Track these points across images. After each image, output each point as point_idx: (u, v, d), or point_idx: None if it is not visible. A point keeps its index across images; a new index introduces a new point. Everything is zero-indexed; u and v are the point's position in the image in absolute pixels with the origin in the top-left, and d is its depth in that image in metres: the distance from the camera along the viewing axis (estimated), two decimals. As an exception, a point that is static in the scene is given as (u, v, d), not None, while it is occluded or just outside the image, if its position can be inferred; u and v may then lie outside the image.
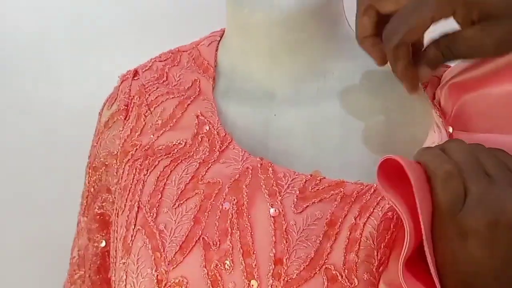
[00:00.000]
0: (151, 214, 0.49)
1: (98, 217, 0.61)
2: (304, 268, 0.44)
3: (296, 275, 0.44)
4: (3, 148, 0.94)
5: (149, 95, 0.59)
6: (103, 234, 0.61)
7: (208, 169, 0.51)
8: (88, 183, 0.63)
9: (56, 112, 0.93)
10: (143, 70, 0.63)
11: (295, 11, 0.55)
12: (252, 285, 0.44)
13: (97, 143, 0.63)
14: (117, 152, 0.58)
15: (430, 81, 0.54)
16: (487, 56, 0.46)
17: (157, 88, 0.60)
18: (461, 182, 0.37)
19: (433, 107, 0.52)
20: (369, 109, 0.55)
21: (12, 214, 0.95)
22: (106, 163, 0.60)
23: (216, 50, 0.63)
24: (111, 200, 0.59)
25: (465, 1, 0.43)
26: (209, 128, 0.54)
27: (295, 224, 0.45)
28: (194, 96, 0.58)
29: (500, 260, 0.37)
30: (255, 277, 0.44)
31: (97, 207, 0.61)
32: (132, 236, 0.49)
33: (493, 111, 0.47)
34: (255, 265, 0.45)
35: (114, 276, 0.51)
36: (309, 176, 0.48)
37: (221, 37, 0.64)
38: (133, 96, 0.60)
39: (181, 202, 0.49)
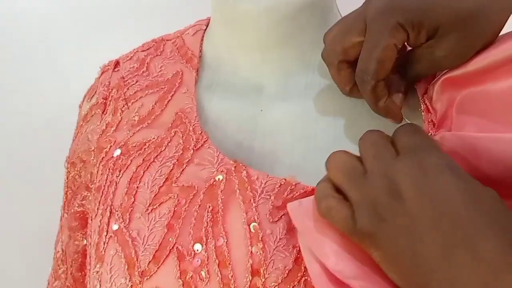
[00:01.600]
0: (124, 220, 0.46)
1: (78, 215, 0.59)
2: (282, 280, 0.41)
3: (275, 287, 0.41)
4: (9, 136, 0.94)
5: (128, 89, 0.56)
6: (84, 233, 0.59)
7: (182, 170, 0.48)
8: (67, 178, 0.60)
9: (62, 100, 0.92)
10: (124, 61, 0.60)
11: (284, 2, 0.51)
12: None
13: (75, 138, 0.60)
14: (94, 148, 0.55)
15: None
16: (443, 69, 0.47)
17: (136, 82, 0.57)
18: (341, 205, 0.38)
19: (422, 105, 0.49)
20: (359, 106, 0.52)
21: (21, 200, 0.95)
22: (84, 159, 0.57)
23: (202, 40, 0.60)
24: (90, 198, 0.57)
25: (412, 24, 0.44)
26: (186, 124, 0.51)
27: (271, 233, 0.43)
28: (174, 89, 0.55)
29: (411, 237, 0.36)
30: None
31: (76, 205, 0.59)
32: (104, 244, 0.47)
33: (490, 108, 0.44)
34: (232, 276, 0.42)
35: (89, 284, 0.49)
36: (284, 180, 0.45)
37: (207, 26, 0.61)
38: (112, 89, 0.57)
39: (154, 207, 0.46)
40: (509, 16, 0.45)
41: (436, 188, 0.36)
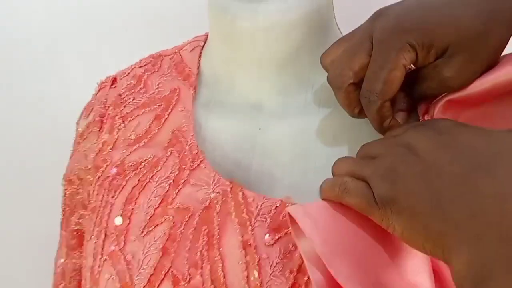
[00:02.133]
0: (119, 242, 0.46)
1: (75, 233, 0.58)
2: None
3: None
4: (14, 145, 0.93)
5: (125, 106, 0.56)
6: (81, 251, 0.59)
7: (178, 191, 0.47)
8: (65, 195, 0.60)
9: (64, 108, 0.92)
10: (121, 77, 0.60)
11: (282, 18, 0.51)
12: None
13: (73, 155, 0.60)
14: (91, 167, 0.55)
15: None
16: (450, 91, 0.46)
17: (133, 99, 0.56)
18: (355, 181, 0.39)
19: None
20: (358, 125, 0.51)
21: (23, 207, 0.94)
22: (81, 177, 0.56)
23: (200, 56, 0.59)
24: (87, 217, 0.56)
25: (423, 44, 0.43)
26: (182, 143, 0.50)
27: (267, 258, 0.42)
28: (171, 107, 0.54)
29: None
30: None
31: (73, 224, 0.58)
32: (99, 267, 0.46)
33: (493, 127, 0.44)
34: None
35: None
36: (280, 202, 0.45)
37: (205, 42, 0.60)
38: (109, 107, 0.57)
39: (150, 229, 0.46)
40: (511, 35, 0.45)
41: (450, 136, 0.37)
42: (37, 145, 0.93)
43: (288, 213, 0.40)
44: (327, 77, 0.49)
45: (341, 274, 0.37)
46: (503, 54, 0.45)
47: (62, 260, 0.61)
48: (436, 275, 0.39)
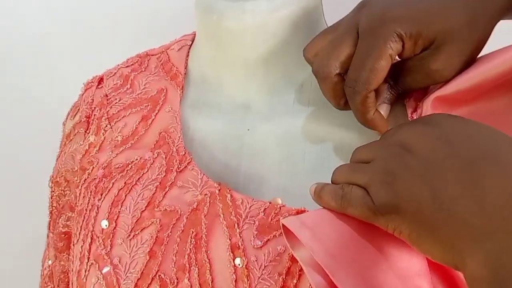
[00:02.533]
0: (105, 246, 0.45)
1: (63, 235, 0.58)
2: None
3: None
4: (7, 145, 0.93)
5: (111, 107, 0.55)
6: (69, 253, 0.58)
7: (165, 194, 0.47)
8: (52, 197, 0.59)
9: (60, 108, 0.91)
10: (108, 77, 0.59)
11: (269, 17, 0.50)
12: None
13: (59, 157, 0.59)
14: (77, 169, 0.54)
15: (415, 91, 0.50)
16: (435, 83, 0.46)
17: (119, 100, 0.56)
18: (354, 189, 0.38)
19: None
20: (348, 123, 0.51)
21: (17, 211, 0.94)
22: (68, 179, 0.56)
23: (187, 56, 0.58)
24: (74, 222, 0.56)
25: (411, 34, 0.43)
26: (169, 144, 0.50)
27: (256, 261, 0.42)
28: (158, 108, 0.53)
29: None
30: None
31: (61, 226, 0.57)
32: (85, 271, 0.45)
33: None
34: None
35: None
36: (268, 204, 0.44)
37: (192, 41, 0.60)
38: (95, 108, 0.56)
39: (136, 232, 0.45)
40: (495, 25, 0.45)
41: (443, 131, 0.36)
42: (26, 145, 0.93)
43: (283, 224, 0.39)
44: (312, 69, 0.48)
45: (344, 283, 0.36)
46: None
47: (49, 262, 0.61)
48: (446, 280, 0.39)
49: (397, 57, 0.46)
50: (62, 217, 0.57)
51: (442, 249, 0.34)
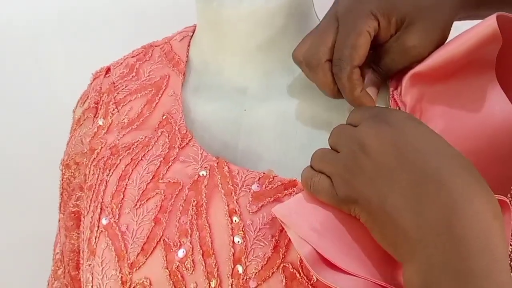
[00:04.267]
0: (114, 215, 0.49)
1: (73, 215, 0.61)
2: (262, 267, 0.44)
3: (255, 274, 0.44)
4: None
5: (118, 93, 0.59)
6: (79, 232, 0.62)
7: (168, 168, 0.51)
8: (62, 180, 0.63)
9: (49, 108, 0.94)
10: (115, 67, 0.63)
11: (264, 6, 0.54)
12: (213, 285, 0.45)
13: (69, 141, 0.63)
14: (87, 151, 0.58)
15: (398, 72, 0.53)
16: (413, 60, 0.49)
17: (126, 86, 0.60)
18: (322, 180, 0.42)
19: (391, 100, 0.51)
20: (336, 105, 0.54)
21: (4, 212, 0.96)
22: (77, 161, 0.60)
23: (188, 45, 0.63)
24: (84, 197, 0.59)
25: (383, 13, 0.47)
26: (171, 124, 0.54)
27: (251, 224, 0.45)
28: (161, 92, 0.57)
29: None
30: (216, 276, 0.45)
31: (71, 205, 0.61)
32: (96, 238, 0.49)
33: (457, 100, 0.47)
34: (215, 265, 0.45)
35: (82, 277, 0.52)
36: (262, 174, 0.48)
37: (193, 32, 0.64)
38: (103, 94, 0.60)
39: (142, 202, 0.49)
40: (455, 16, 0.49)
41: (399, 136, 0.39)
42: (22, 144, 0.95)
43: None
44: (302, 67, 0.52)
45: (328, 252, 0.40)
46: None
47: (60, 245, 0.64)
48: None
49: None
50: (72, 198, 0.61)
51: (389, 246, 0.39)
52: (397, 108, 0.50)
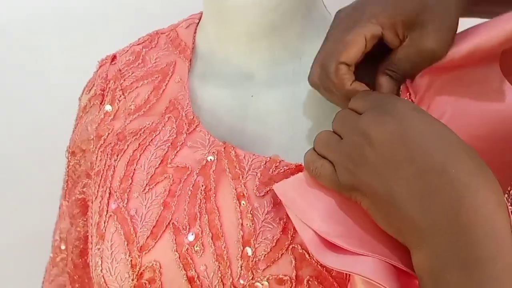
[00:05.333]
0: (122, 200, 0.49)
1: (79, 202, 0.62)
2: (271, 249, 0.44)
3: (264, 256, 0.44)
4: None
5: (124, 80, 0.59)
6: (85, 220, 0.62)
7: (176, 152, 0.51)
8: (68, 167, 0.63)
9: (48, 105, 0.94)
10: (121, 55, 0.63)
11: None
12: (222, 267, 0.45)
13: (75, 128, 0.63)
14: (93, 137, 0.58)
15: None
16: (435, 61, 0.47)
17: (132, 73, 0.60)
18: (325, 165, 0.43)
19: (402, 86, 0.51)
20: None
21: (2, 211, 0.96)
22: (84, 148, 0.60)
23: (195, 32, 0.63)
24: (91, 185, 0.60)
25: (388, 16, 0.45)
26: (178, 110, 0.54)
27: (259, 207, 0.46)
28: (168, 78, 0.58)
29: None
30: (225, 259, 0.45)
31: (78, 192, 0.62)
32: (105, 222, 0.50)
33: (466, 90, 0.48)
34: (225, 247, 0.45)
35: (91, 261, 0.52)
36: (269, 159, 0.49)
37: (199, 20, 0.64)
38: (109, 81, 0.60)
39: (151, 186, 0.49)
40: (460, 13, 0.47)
41: (403, 127, 0.39)
42: (21, 141, 0.94)
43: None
44: (321, 90, 0.50)
45: (331, 235, 0.41)
46: None
47: (59, 232, 0.65)
48: None
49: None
50: (78, 185, 0.62)
51: (393, 232, 0.39)
52: (408, 95, 0.50)
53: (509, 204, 0.49)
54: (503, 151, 0.45)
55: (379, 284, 0.37)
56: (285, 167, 0.48)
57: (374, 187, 0.39)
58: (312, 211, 0.42)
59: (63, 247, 0.65)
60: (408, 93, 0.50)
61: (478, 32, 0.47)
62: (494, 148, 0.45)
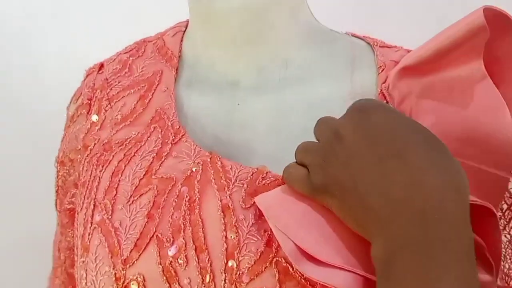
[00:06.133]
0: (107, 211, 0.49)
1: (68, 212, 0.62)
2: (255, 262, 0.44)
3: (248, 269, 0.44)
4: None
5: (111, 89, 0.59)
6: (74, 230, 0.62)
7: (161, 163, 0.51)
8: (57, 177, 0.63)
9: (42, 107, 0.93)
10: (108, 63, 0.63)
11: (252, 1, 0.54)
12: (206, 280, 0.45)
13: (64, 138, 0.63)
14: (80, 147, 0.58)
15: (387, 65, 0.53)
16: None
17: (119, 82, 0.60)
18: (298, 169, 0.44)
19: (379, 94, 0.51)
20: (333, 97, 0.54)
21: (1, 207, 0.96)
22: (72, 158, 0.60)
23: (181, 40, 0.62)
24: (78, 193, 0.59)
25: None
26: (164, 120, 0.54)
27: (244, 219, 0.45)
28: (154, 88, 0.57)
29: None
30: (209, 272, 0.45)
31: (67, 203, 0.61)
32: (89, 235, 0.49)
33: (448, 93, 0.47)
34: (208, 260, 0.45)
35: (77, 274, 0.52)
36: (256, 170, 0.48)
37: (186, 28, 0.64)
38: (96, 90, 0.60)
39: (135, 198, 0.49)
40: None
41: (369, 121, 0.40)
42: (15, 143, 0.95)
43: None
44: None
45: (304, 242, 0.41)
46: None
47: (57, 243, 0.65)
48: None
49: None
50: (67, 195, 0.61)
51: (360, 229, 0.39)
52: (385, 102, 0.49)
53: (504, 218, 0.49)
54: (488, 155, 0.45)
55: None
56: (271, 178, 0.48)
57: (341, 181, 0.39)
58: (290, 218, 0.42)
59: (62, 257, 0.65)
60: (385, 101, 0.50)
61: (442, 32, 0.47)
62: (478, 153, 0.45)
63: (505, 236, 0.51)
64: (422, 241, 0.35)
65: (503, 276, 0.51)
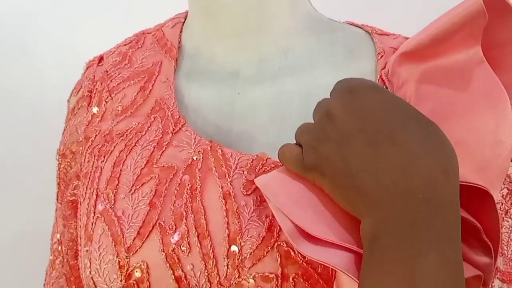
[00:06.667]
0: (109, 201, 0.50)
1: (71, 204, 0.62)
2: (257, 246, 0.44)
3: (250, 254, 0.44)
4: None
5: (111, 81, 0.59)
6: (77, 221, 0.62)
7: (162, 152, 0.51)
8: (59, 169, 0.63)
9: (41, 104, 0.94)
10: (107, 56, 0.63)
11: None
12: (209, 266, 0.45)
13: (65, 131, 0.63)
14: (82, 139, 0.58)
15: (386, 51, 0.54)
16: None
17: (119, 74, 0.60)
18: (292, 148, 0.44)
19: (378, 79, 0.52)
20: (332, 85, 0.55)
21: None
22: (73, 150, 0.60)
23: (181, 31, 0.63)
24: (80, 184, 0.60)
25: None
26: (164, 110, 0.54)
27: (245, 205, 0.46)
28: (154, 78, 0.58)
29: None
30: (211, 257, 0.45)
31: (69, 194, 0.62)
32: (92, 224, 0.50)
33: (448, 79, 0.47)
34: (211, 246, 0.45)
35: (81, 263, 0.52)
36: (256, 157, 0.49)
37: (185, 19, 0.64)
38: (96, 82, 0.61)
39: (137, 187, 0.49)
40: None
41: (361, 102, 0.40)
42: (14, 138, 0.95)
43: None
44: None
45: (303, 221, 0.41)
46: None
47: (58, 236, 0.65)
48: None
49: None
50: (69, 187, 0.62)
51: (350, 208, 0.40)
52: (384, 88, 0.50)
53: (505, 203, 0.50)
54: (484, 142, 0.45)
55: (353, 279, 0.38)
56: (271, 165, 0.48)
57: (332, 161, 0.40)
58: (286, 197, 0.42)
59: (60, 249, 0.65)
60: (385, 86, 0.51)
61: (441, 17, 0.47)
62: (475, 139, 0.45)
63: (507, 221, 0.51)
64: (405, 220, 0.36)
65: (507, 261, 0.51)
